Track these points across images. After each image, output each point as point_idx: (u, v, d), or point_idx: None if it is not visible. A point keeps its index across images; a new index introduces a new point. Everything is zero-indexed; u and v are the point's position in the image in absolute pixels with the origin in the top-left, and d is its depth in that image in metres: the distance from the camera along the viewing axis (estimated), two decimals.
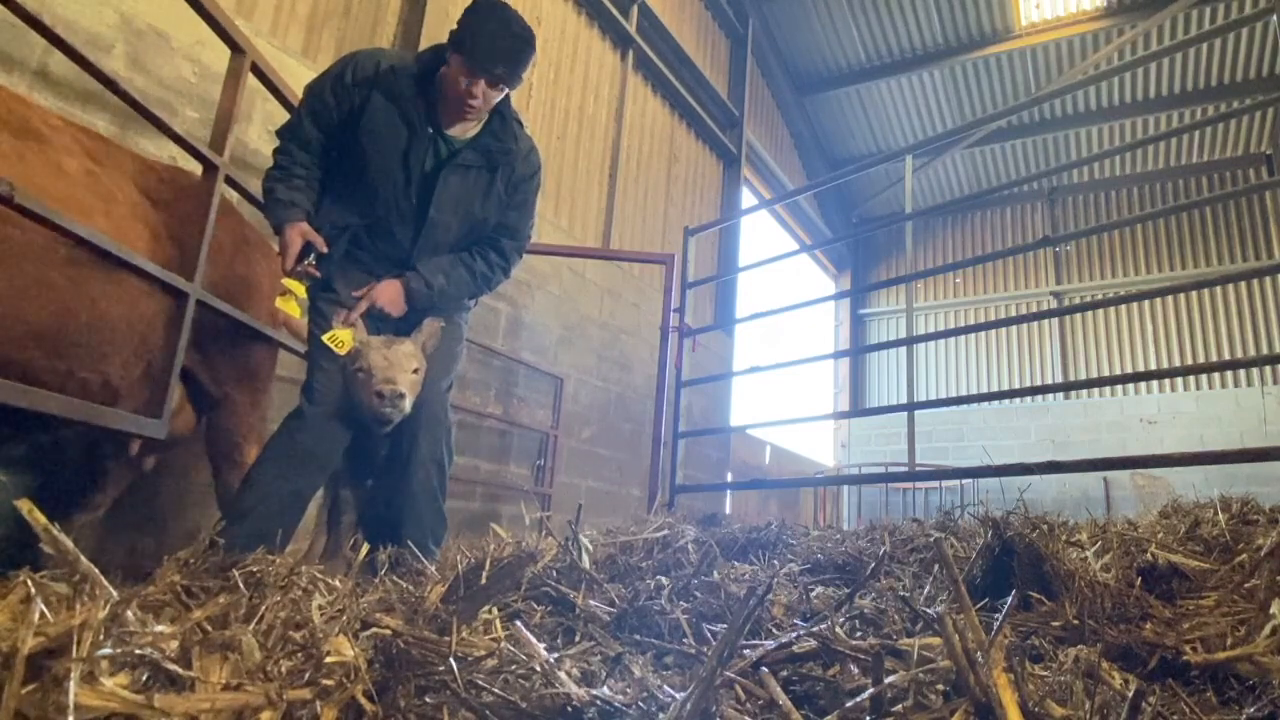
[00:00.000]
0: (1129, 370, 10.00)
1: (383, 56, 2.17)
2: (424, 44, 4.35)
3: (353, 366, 2.02)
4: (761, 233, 10.05)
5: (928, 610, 1.08)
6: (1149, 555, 1.51)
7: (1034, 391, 3.96)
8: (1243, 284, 9.88)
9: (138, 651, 0.73)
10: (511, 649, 0.94)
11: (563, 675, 0.84)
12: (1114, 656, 1.03)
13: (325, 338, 2.01)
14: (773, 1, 9.38)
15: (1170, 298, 10.13)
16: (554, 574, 1.38)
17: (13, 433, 1.94)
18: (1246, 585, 1.30)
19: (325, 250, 2.11)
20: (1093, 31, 8.87)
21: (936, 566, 1.56)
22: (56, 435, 2.06)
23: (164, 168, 2.21)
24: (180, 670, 0.74)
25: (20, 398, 1.60)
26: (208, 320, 2.21)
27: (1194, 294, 10.16)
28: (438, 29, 4.51)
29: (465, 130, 2.23)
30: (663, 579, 1.41)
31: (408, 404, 2.00)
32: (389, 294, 2.19)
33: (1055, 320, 10.88)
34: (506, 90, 2.15)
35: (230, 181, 2.33)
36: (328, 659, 0.83)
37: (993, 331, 10.95)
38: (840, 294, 9.82)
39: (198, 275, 2.06)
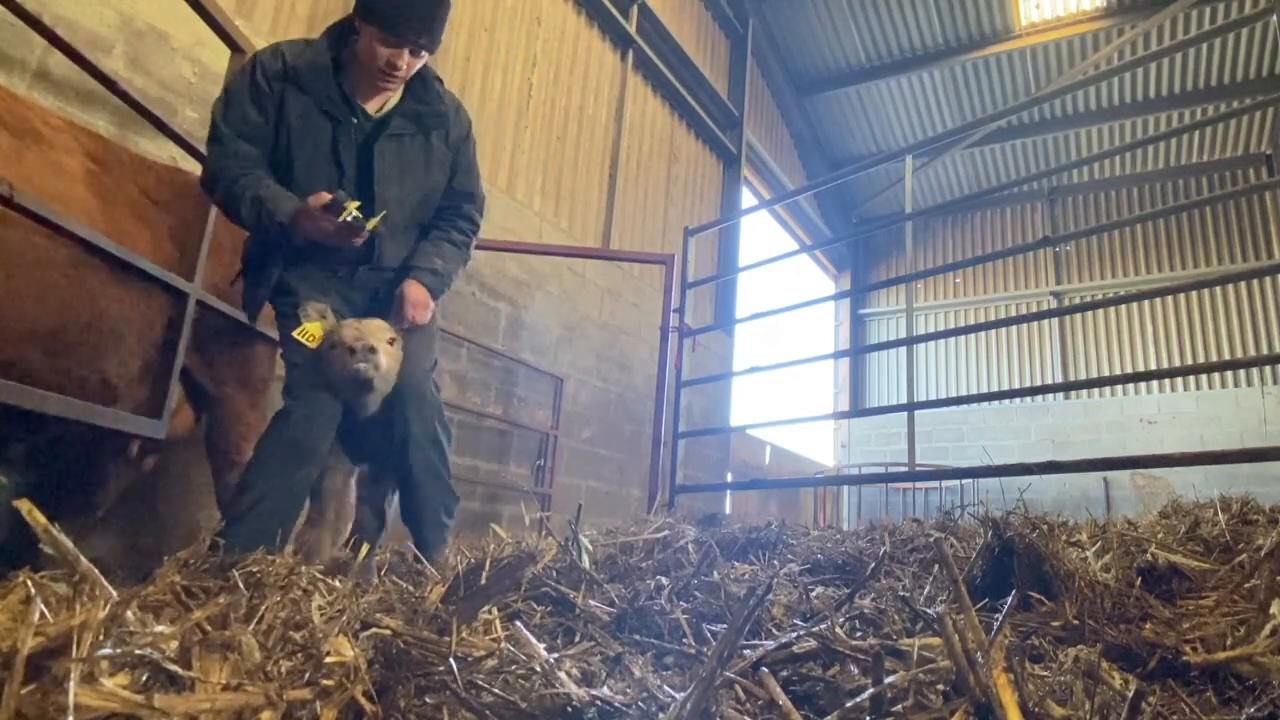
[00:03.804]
0: (1129, 370, 10.00)
1: (286, 49, 2.05)
2: None
3: (328, 349, 2.00)
4: (761, 233, 10.05)
5: (928, 610, 1.08)
6: (1149, 555, 1.51)
7: (1034, 391, 3.97)
8: (1243, 284, 9.88)
9: (138, 651, 0.73)
10: (511, 649, 0.94)
11: (563, 675, 0.84)
12: (1114, 656, 1.03)
13: (296, 333, 1.97)
14: (773, 1, 9.38)
15: (1170, 298, 10.13)
16: (554, 574, 1.39)
17: (12, 432, 1.94)
18: (1246, 585, 1.30)
19: (346, 202, 1.96)
20: (1093, 31, 8.87)
21: (936, 566, 1.56)
22: (56, 435, 2.05)
23: (163, 168, 2.21)
24: (180, 670, 0.74)
25: (20, 398, 1.60)
26: (207, 320, 2.22)
27: (1194, 294, 10.15)
28: None
29: (385, 102, 2.15)
30: (663, 579, 1.41)
31: (383, 361, 1.97)
32: (422, 301, 2.15)
33: (1055, 320, 10.88)
34: (428, 56, 2.09)
35: None
36: (328, 659, 0.83)
37: (993, 331, 10.94)
38: (840, 294, 9.81)
39: (198, 275, 2.06)
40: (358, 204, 1.96)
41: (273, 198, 1.96)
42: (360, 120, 2.11)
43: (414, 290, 2.15)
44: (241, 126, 2.00)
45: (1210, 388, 9.66)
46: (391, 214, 2.12)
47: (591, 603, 1.26)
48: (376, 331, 2.01)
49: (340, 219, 1.91)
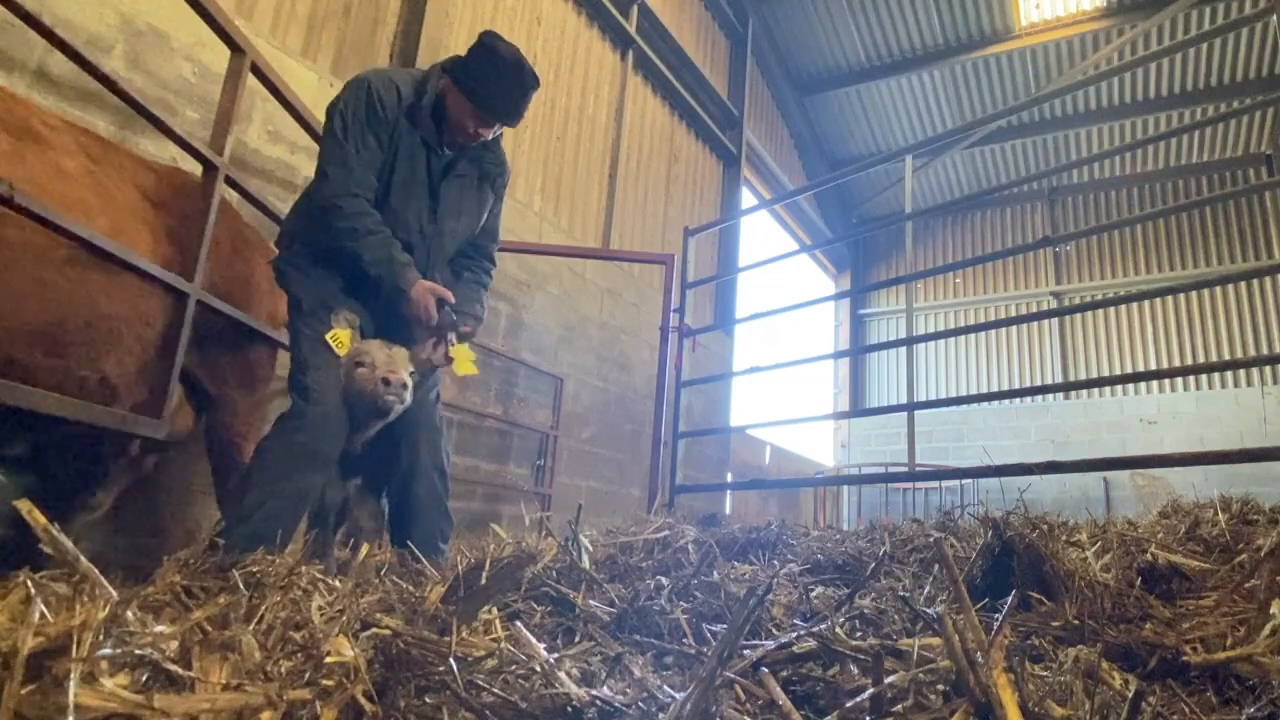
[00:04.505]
0: (1129, 370, 9.99)
1: (398, 80, 2.17)
2: (423, 44, 4.35)
3: (354, 361, 2.07)
4: (761, 233, 10.05)
5: (928, 610, 1.08)
6: (1149, 555, 1.51)
7: (1034, 391, 3.97)
8: (1243, 284, 9.87)
9: (138, 651, 0.73)
10: (511, 649, 0.94)
11: (563, 675, 0.84)
12: (1114, 656, 1.03)
13: (328, 336, 2.05)
14: (772, 1, 9.38)
15: (1170, 298, 10.13)
16: (554, 574, 1.39)
17: (12, 432, 1.94)
18: (1246, 585, 1.30)
19: (453, 299, 2.21)
20: (1093, 31, 8.87)
21: (936, 566, 1.56)
22: (57, 435, 2.05)
23: (163, 168, 2.21)
24: (180, 670, 0.74)
25: (19, 398, 1.60)
26: (207, 320, 2.22)
27: (1194, 294, 10.15)
28: (438, 29, 4.51)
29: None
30: (663, 579, 1.41)
31: (409, 396, 2.06)
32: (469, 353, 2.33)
33: (1055, 320, 10.87)
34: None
35: (230, 181, 2.33)
36: (328, 659, 0.83)
37: (993, 331, 10.93)
38: (840, 294, 9.82)
39: (198, 275, 2.06)
40: (348, 334, 2.15)
41: (403, 264, 2.11)
42: (441, 156, 2.23)
43: (464, 344, 2.31)
44: (365, 152, 2.09)
45: (1210, 388, 9.65)
46: (446, 247, 2.31)
47: (591, 603, 1.26)
48: (404, 361, 2.10)
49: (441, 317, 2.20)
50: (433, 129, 2.19)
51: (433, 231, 2.24)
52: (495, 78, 2.09)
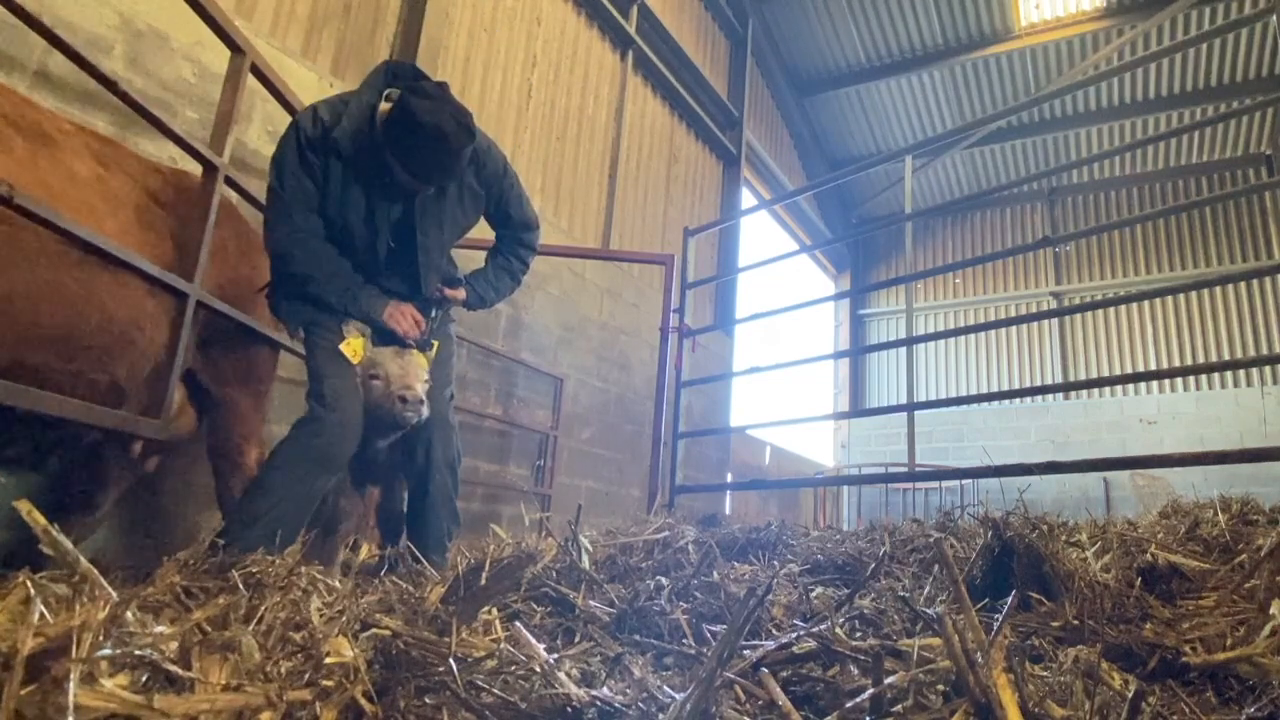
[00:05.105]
0: (1129, 370, 9.99)
1: (327, 114, 2.07)
2: (423, 44, 4.35)
3: (368, 374, 2.10)
4: (761, 233, 10.05)
5: (928, 611, 1.08)
6: (1149, 555, 1.51)
7: (1034, 392, 3.96)
8: (1243, 284, 9.87)
9: (137, 652, 0.73)
10: (511, 650, 0.94)
11: (562, 676, 0.84)
12: (1114, 656, 1.03)
13: (342, 346, 2.10)
14: (772, 2, 9.38)
15: (1170, 298, 10.13)
16: (554, 575, 1.39)
17: (15, 433, 1.94)
18: (1246, 585, 1.30)
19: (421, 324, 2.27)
20: (1093, 31, 8.87)
21: (936, 567, 1.56)
22: (58, 436, 2.06)
23: (169, 170, 2.22)
24: (180, 671, 0.74)
25: (19, 398, 1.60)
26: (211, 321, 2.22)
27: (1194, 294, 10.15)
28: (438, 29, 4.51)
29: None
30: (662, 579, 1.41)
31: (425, 410, 2.10)
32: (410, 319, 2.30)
33: (1055, 320, 10.87)
34: None
35: (230, 182, 2.34)
36: (327, 660, 0.83)
37: (993, 331, 10.93)
38: (840, 294, 9.80)
39: (197, 276, 2.06)
40: (361, 343, 2.21)
41: (367, 299, 2.14)
42: (393, 180, 2.15)
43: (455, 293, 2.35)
44: (301, 196, 2.06)
45: (1210, 388, 9.65)
46: (433, 256, 2.29)
47: (591, 603, 1.26)
48: (419, 370, 2.14)
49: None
50: (370, 164, 2.07)
51: (385, 253, 2.18)
52: (413, 141, 1.98)
